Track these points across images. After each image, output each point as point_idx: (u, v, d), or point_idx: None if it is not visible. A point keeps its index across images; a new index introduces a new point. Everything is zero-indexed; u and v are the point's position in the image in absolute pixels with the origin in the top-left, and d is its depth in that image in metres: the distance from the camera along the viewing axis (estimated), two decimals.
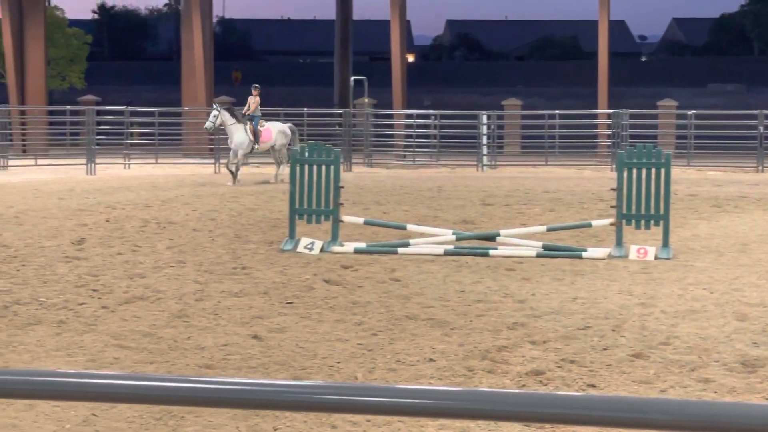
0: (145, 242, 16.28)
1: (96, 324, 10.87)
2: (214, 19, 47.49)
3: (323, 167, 16.15)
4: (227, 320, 11.06)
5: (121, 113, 34.35)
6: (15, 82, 40.66)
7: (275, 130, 27.40)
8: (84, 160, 31.47)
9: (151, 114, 35.37)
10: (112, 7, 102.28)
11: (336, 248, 15.49)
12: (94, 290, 12.59)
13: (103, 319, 11.08)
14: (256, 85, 27.93)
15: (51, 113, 39.20)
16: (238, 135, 26.52)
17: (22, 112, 38.64)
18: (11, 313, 11.30)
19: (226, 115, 26.50)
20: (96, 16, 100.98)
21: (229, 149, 27.24)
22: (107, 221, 18.66)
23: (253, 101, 27.32)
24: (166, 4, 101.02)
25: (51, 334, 10.45)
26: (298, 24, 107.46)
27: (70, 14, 49.79)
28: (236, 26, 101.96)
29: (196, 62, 39.18)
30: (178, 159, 34.42)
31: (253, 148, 26.98)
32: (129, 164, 32.97)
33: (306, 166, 16.21)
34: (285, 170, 25.62)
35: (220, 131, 27.95)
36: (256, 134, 26.87)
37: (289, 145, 27.00)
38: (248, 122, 26.86)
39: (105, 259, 14.78)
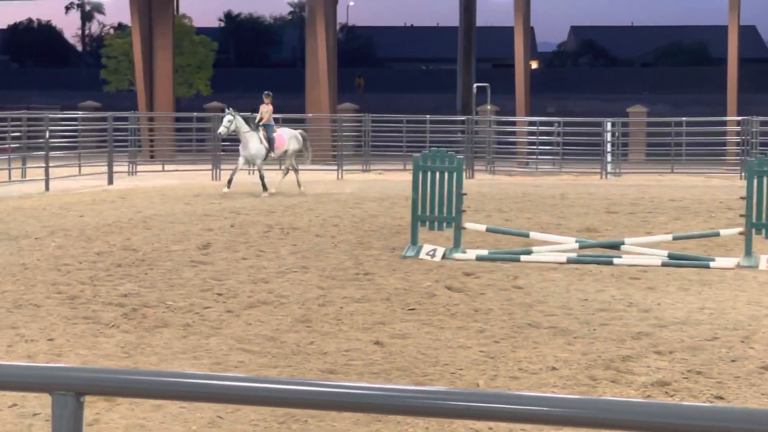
0: (269, 247, 16.46)
1: (221, 327, 11.03)
2: (338, 27, 47.88)
3: (446, 174, 16.14)
4: (349, 326, 11.11)
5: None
6: (144, 89, 41.53)
7: (287, 136, 26.60)
8: (209, 166, 31.97)
9: (275, 121, 35.79)
10: (238, 15, 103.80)
11: (458, 255, 15.46)
12: (219, 294, 12.77)
13: (228, 323, 11.23)
14: (268, 93, 27.00)
15: (178, 120, 39.92)
16: (254, 144, 25.70)
17: (151, 119, 39.42)
18: (140, 316, 11.53)
19: (240, 122, 25.71)
20: (222, 24, 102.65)
21: (234, 155, 27.32)
22: (232, 226, 18.92)
23: (266, 110, 26.28)
24: (290, 12, 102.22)
25: (177, 336, 10.63)
26: (421, 31, 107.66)
27: (198, 22, 50.73)
28: (360, 33, 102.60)
29: (320, 69, 39.51)
30: (301, 165, 34.71)
31: (267, 156, 26.13)
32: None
33: (428, 173, 16.22)
34: (300, 178, 26.42)
35: (232, 137, 26.96)
36: (270, 141, 25.98)
37: (300, 151, 26.75)
38: (261, 130, 25.99)
39: (230, 263, 14.98)
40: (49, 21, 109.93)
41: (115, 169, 30.02)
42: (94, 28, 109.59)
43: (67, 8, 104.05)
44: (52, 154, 28.07)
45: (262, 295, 12.67)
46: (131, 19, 42.26)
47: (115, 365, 9.42)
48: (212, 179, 30.97)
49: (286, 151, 26.42)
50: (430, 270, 14.48)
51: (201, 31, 50.36)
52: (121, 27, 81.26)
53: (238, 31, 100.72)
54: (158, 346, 10.20)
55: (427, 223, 16.21)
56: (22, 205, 22.71)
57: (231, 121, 25.48)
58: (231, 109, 26.30)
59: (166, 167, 34.08)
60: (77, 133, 31.20)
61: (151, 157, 37.10)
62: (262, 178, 25.78)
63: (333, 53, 40.23)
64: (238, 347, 10.16)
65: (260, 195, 25.14)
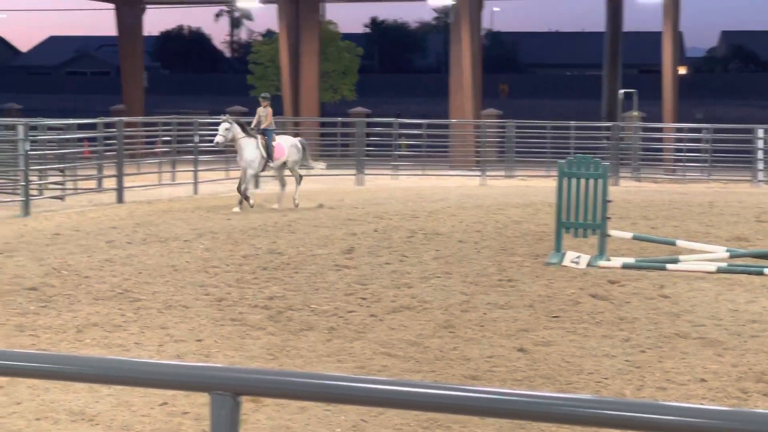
0: (412, 252, 16.52)
1: (365, 332, 11.11)
2: (483, 32, 47.78)
3: (590, 181, 15.97)
4: (493, 332, 11.08)
5: (390, 125, 35.02)
6: (290, 94, 42.11)
7: (287, 145, 23.72)
8: (353, 171, 32.25)
9: (418, 126, 35.90)
10: (383, 21, 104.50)
11: (603, 263, 15.28)
12: (362, 298, 12.87)
13: (372, 327, 11.31)
14: (266, 95, 24.38)
15: (323, 125, 40.36)
16: (249, 151, 22.93)
17: (296, 124, 39.96)
18: (285, 319, 11.70)
19: (237, 129, 22.90)
20: (367, 30, 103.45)
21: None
22: (375, 231, 19.04)
23: (264, 113, 23.51)
24: (435, 18, 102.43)
25: (322, 340, 10.75)
26: (567, 36, 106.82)
27: (343, 28, 51.16)
28: (504, 39, 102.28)
29: (464, 75, 39.51)
30: (445, 171, 34.78)
31: (265, 166, 23.32)
32: (397, 175, 33.56)
33: (573, 180, 16.08)
34: (298, 189, 23.70)
35: (228, 146, 23.95)
36: (269, 149, 23.15)
37: (302, 161, 24.09)
38: (259, 136, 23.17)
39: (373, 268, 15.08)
40: (198, 28, 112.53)
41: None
42: (242, 34, 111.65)
43: (217, 15, 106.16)
44: (200, 158, 28.66)
45: (406, 300, 12.73)
46: (279, 26, 42.89)
47: (261, 367, 9.56)
48: (356, 184, 31.22)
49: (285, 162, 23.62)
50: (574, 277, 14.35)
51: (346, 37, 50.78)
52: (268, 34, 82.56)
53: (383, 36, 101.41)
54: (303, 349, 10.33)
55: (572, 229, 16.07)
56: (172, 207, 23.24)
57: (228, 129, 22.82)
58: (227, 115, 23.77)
59: (311, 172, 34.46)
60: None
61: None
62: (245, 190, 22.76)
63: (477, 59, 40.17)
64: (382, 351, 10.22)
65: (233, 208, 22.50)
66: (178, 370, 2.86)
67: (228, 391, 2.69)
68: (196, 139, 28.74)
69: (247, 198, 22.67)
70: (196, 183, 27.44)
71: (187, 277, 14.13)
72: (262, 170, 23.51)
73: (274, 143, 23.26)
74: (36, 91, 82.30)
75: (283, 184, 23.84)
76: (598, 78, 48.50)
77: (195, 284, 13.66)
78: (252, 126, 23.34)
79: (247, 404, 8.07)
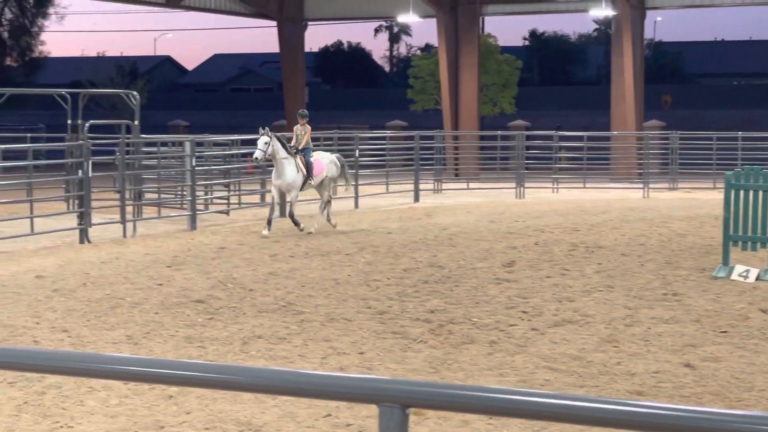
0: (574, 266, 16.35)
1: (526, 345, 11.03)
2: (645, 42, 47.10)
3: (760, 193, 15.56)
4: (658, 347, 10.88)
5: (550, 138, 34.79)
6: (450, 108, 42.22)
7: (326, 161, 22.21)
8: (513, 184, 32.12)
9: (579, 138, 35.57)
10: (543, 33, 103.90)
11: None
12: (524, 312, 12.78)
13: (534, 341, 11.22)
14: (303, 112, 22.51)
15: (482, 138, 40.32)
16: (290, 171, 21.31)
17: (455, 137, 40.02)
18: (446, 332, 11.70)
19: (277, 145, 21.17)
20: (527, 43, 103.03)
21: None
22: (536, 244, 18.91)
23: (302, 131, 21.86)
24: (596, 29, 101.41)
25: (483, 353, 10.71)
26: (733, 45, 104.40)
27: (502, 41, 51.08)
28: (668, 49, 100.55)
29: (626, 86, 39.00)
30: (606, 183, 34.36)
31: (305, 185, 21.78)
32: (557, 188, 33.30)
33: (741, 192, 15.69)
34: (328, 208, 22.22)
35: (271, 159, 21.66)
36: (308, 167, 21.64)
37: (340, 178, 22.94)
38: (298, 156, 21.63)
39: (534, 281, 14.97)
40: (358, 43, 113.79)
41: (420, 186, 30.63)
42: (401, 49, 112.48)
43: (376, 30, 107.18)
44: (361, 172, 28.94)
45: (568, 314, 12.60)
46: (438, 40, 43.08)
47: (423, 380, 9.58)
48: (516, 197, 31.09)
49: (324, 179, 22.13)
50: (743, 292, 13.98)
51: (506, 50, 50.67)
52: (427, 48, 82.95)
53: (543, 49, 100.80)
54: (464, 362, 10.31)
55: (740, 243, 15.68)
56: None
57: (267, 143, 21.03)
58: (267, 128, 21.57)
59: (471, 185, 34.47)
60: (385, 152, 32.06)
61: (456, 175, 37.62)
62: (292, 215, 21.48)
63: (639, 69, 39.62)
64: (544, 365, 10.14)
65: (262, 231, 21.10)
66: (347, 382, 2.88)
67: (396, 403, 2.70)
68: (357, 153, 29.03)
69: (297, 223, 21.22)
70: (357, 197, 27.70)
71: (348, 290, 14.26)
72: (303, 189, 21.85)
73: (312, 159, 21.81)
74: (202, 107, 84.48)
75: (326, 205, 22.21)
76: (766, 87, 47.27)
77: (357, 297, 13.78)
78: (291, 143, 21.67)
79: (410, 417, 8.08)
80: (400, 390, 2.73)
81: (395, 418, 2.72)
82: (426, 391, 2.77)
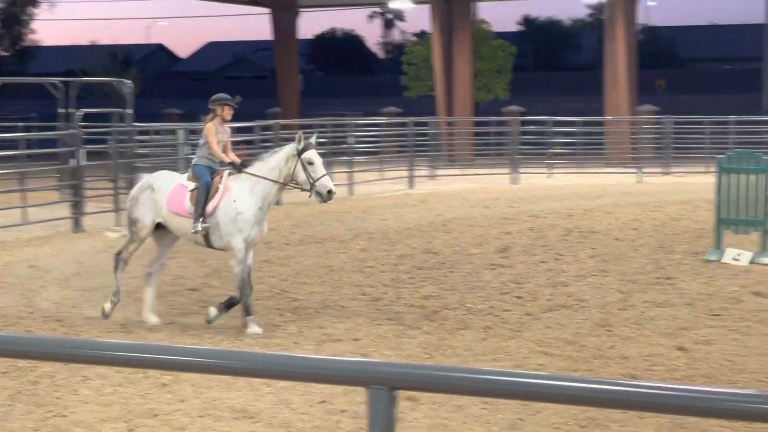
0: (568, 251, 16.37)
1: (521, 330, 11.07)
2: (638, 27, 47.03)
3: (752, 176, 15.58)
4: (651, 330, 10.92)
5: (544, 123, 34.77)
6: (443, 94, 42.16)
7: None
8: (508, 170, 32.10)
9: (573, 124, 35.55)
10: (536, 19, 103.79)
11: (766, 260, 14.90)
12: (518, 297, 12.82)
13: (528, 326, 11.26)
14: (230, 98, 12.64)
15: (477, 124, 40.28)
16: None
17: (450, 124, 39.97)
18: (441, 318, 11.73)
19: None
20: (521, 28, 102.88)
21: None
22: (531, 230, 18.93)
23: (224, 131, 12.41)
24: (590, 14, 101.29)
25: (478, 338, 10.75)
26: (725, 29, 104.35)
27: (496, 27, 50.92)
28: (661, 34, 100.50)
29: (619, 71, 38.98)
30: (600, 168, 34.35)
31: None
32: (551, 174, 33.29)
33: (733, 175, 15.71)
34: None
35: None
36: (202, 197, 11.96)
37: None
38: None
39: (529, 267, 15.00)
40: (352, 30, 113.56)
41: (415, 173, 30.62)
42: (395, 35, 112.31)
43: (370, 17, 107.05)
44: (355, 159, 28.93)
45: (562, 299, 12.63)
46: (432, 26, 43.00)
47: (411, 362, 9.62)
48: (510, 183, 31.09)
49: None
50: (735, 275, 14.02)
51: (500, 35, 50.57)
52: (421, 34, 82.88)
53: (537, 34, 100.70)
54: (459, 348, 10.35)
55: (732, 226, 15.71)
56: (328, 208, 23.48)
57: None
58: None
59: (465, 171, 34.45)
60: (379, 139, 32.02)
61: (451, 161, 37.58)
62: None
63: (633, 55, 39.58)
64: (538, 350, 10.17)
65: None
66: (336, 365, 2.90)
67: (384, 385, 2.71)
68: (351, 140, 29.01)
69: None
70: (351, 184, 27.69)
71: (343, 277, 14.28)
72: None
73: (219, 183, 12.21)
74: (196, 96, 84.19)
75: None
76: (759, 71, 47.31)
77: (351, 284, 13.80)
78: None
79: (404, 403, 8.12)
80: (387, 372, 2.75)
81: (383, 400, 2.74)
82: (414, 373, 2.79)
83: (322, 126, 30.22)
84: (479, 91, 45.81)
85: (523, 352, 10.14)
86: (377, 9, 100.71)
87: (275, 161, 11.83)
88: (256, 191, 11.79)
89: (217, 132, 12.14)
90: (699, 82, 76.88)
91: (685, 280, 13.66)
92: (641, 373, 9.28)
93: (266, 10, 47.56)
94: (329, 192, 11.51)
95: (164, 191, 12.00)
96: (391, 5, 46.17)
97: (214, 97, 12.48)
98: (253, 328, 11.12)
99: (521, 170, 32.04)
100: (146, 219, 11.97)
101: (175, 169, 23.73)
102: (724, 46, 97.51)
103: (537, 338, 10.67)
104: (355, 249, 16.93)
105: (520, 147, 32.82)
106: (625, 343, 10.41)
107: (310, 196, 11.82)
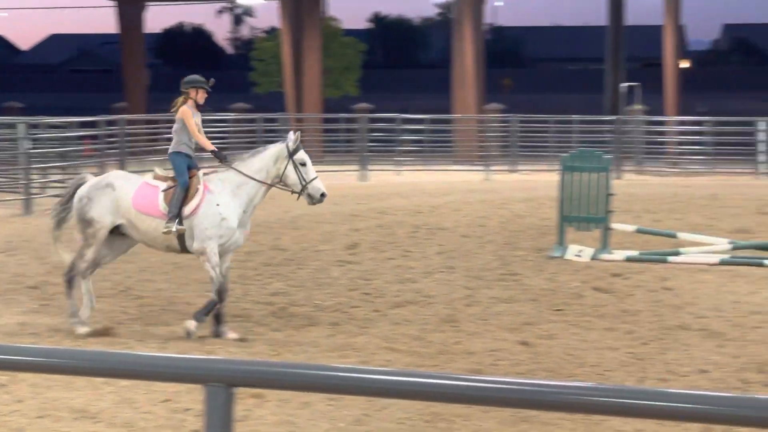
0: (416, 248, 16.50)
1: (368, 327, 11.11)
2: (486, 27, 47.72)
3: (593, 174, 15.95)
4: (496, 326, 11.08)
5: (393, 120, 34.98)
6: (293, 91, 42.08)
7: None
8: (356, 167, 32.22)
9: (421, 121, 35.85)
10: (386, 17, 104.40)
11: (606, 256, 15.27)
12: (366, 294, 12.87)
13: (375, 322, 11.31)
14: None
15: (326, 121, 40.32)
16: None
17: (299, 120, 39.92)
18: (288, 314, 11.69)
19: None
20: (371, 26, 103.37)
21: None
22: (379, 227, 19.01)
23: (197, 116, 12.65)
24: (438, 13, 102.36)
25: (325, 335, 10.75)
26: (569, 31, 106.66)
27: (346, 24, 51.11)
28: (507, 34, 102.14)
29: (467, 70, 39.47)
30: (448, 166, 34.74)
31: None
32: (400, 171, 33.53)
33: (576, 173, 16.05)
34: None
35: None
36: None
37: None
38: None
39: (377, 263, 15.07)
40: (201, 25, 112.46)
41: None
42: (244, 31, 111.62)
43: (219, 12, 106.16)
44: (202, 154, 28.65)
45: (409, 295, 12.73)
46: (281, 22, 42.86)
47: (248, 359, 9.58)
48: (359, 180, 31.20)
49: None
50: (577, 271, 14.33)
51: (349, 32, 50.74)
52: (272, 30, 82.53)
53: (386, 32, 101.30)
54: (306, 344, 10.33)
55: (575, 223, 16.05)
56: None
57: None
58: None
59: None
60: (228, 135, 31.79)
61: None
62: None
63: (480, 54, 40.13)
64: (385, 346, 10.23)
65: None
66: (173, 363, 2.86)
67: (222, 383, 2.68)
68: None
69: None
70: None
71: (189, 274, 14.12)
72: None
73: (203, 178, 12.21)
74: (38, 89, 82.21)
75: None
76: (601, 72, 48.47)
77: (198, 281, 13.65)
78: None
79: (249, 400, 8.06)
80: (224, 369, 2.71)
81: (220, 398, 2.70)
82: (251, 370, 2.76)
83: (170, 121, 29.86)
84: (329, 87, 45.86)
85: (371, 348, 10.18)
86: (226, 4, 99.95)
87: (261, 161, 11.43)
88: (240, 194, 11.28)
89: (194, 115, 11.62)
90: (544, 82, 78.42)
91: (529, 276, 13.91)
92: (485, 368, 9.40)
93: (111, 3, 46.73)
94: (322, 195, 11.26)
95: (127, 190, 11.24)
96: (240, 0, 45.83)
97: (187, 78, 12.07)
98: (191, 326, 10.62)
99: (370, 167, 32.19)
100: (105, 219, 11.13)
101: (16, 164, 23.13)
102: (568, 47, 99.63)
103: (384, 334, 10.72)
104: None
105: (368, 144, 32.97)
106: (471, 338, 10.54)
107: (298, 198, 11.50)
